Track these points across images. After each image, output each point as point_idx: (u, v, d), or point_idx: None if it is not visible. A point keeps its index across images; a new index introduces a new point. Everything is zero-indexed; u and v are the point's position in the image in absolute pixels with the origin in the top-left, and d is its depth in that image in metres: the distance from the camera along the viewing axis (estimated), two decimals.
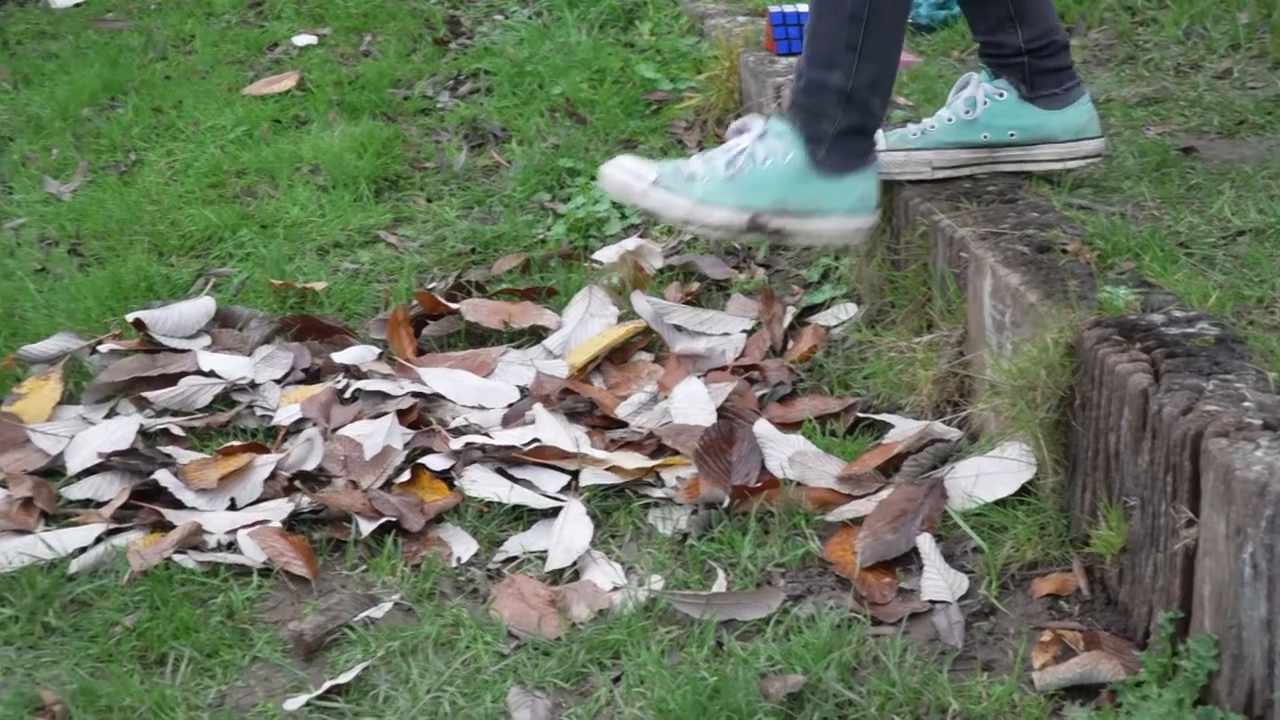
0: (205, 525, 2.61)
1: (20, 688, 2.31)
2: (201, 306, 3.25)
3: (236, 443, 2.85)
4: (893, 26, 2.75)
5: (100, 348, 3.19)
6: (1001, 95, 2.89)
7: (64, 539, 2.61)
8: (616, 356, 3.07)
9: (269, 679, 2.30)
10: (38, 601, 2.48)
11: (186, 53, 4.87)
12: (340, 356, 3.10)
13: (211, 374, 3.05)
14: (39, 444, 2.91)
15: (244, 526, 2.60)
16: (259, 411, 2.99)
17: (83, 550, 2.59)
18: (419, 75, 4.47)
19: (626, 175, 2.77)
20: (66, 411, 3.02)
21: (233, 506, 2.68)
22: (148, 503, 2.70)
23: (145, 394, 3.01)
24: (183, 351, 3.13)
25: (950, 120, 2.92)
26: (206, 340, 3.19)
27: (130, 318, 3.21)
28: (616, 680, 2.24)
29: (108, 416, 3.00)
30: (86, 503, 2.77)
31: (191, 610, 2.41)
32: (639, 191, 2.76)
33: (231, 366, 3.07)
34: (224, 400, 3.03)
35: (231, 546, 2.58)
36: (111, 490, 2.77)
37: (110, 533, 2.64)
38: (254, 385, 3.05)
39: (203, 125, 4.26)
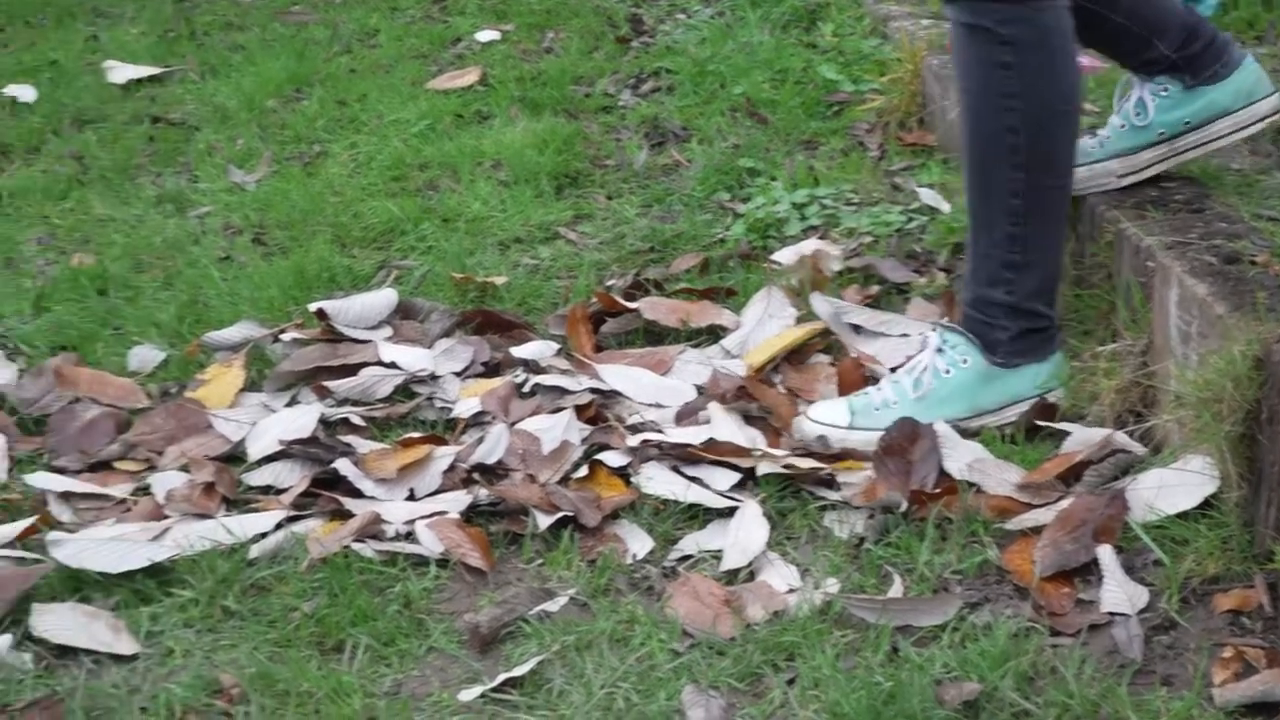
0: (384, 515, 2.63)
1: (199, 670, 2.34)
2: (383, 298, 3.28)
3: (416, 434, 2.87)
4: (1049, 235, 2.79)
5: (283, 336, 3.23)
6: (1166, 91, 2.89)
7: (244, 524, 2.64)
8: (794, 358, 3.06)
9: (444, 669, 2.32)
10: (218, 585, 2.51)
11: (371, 46, 4.91)
12: (519, 351, 3.11)
13: (392, 365, 3.08)
14: (221, 430, 2.95)
15: (422, 517, 2.62)
16: (438, 404, 3.01)
17: (263, 536, 2.62)
18: (601, 73, 4.48)
19: (821, 428, 2.81)
20: (248, 399, 3.06)
21: (411, 497, 2.71)
22: (327, 491, 2.73)
23: (326, 383, 3.04)
24: (364, 342, 3.16)
25: (1123, 126, 2.92)
26: (388, 331, 3.21)
27: (313, 307, 3.25)
28: (791, 682, 2.24)
29: (289, 405, 3.04)
30: (266, 489, 2.80)
31: (369, 599, 2.43)
32: (839, 439, 2.79)
33: (412, 358, 3.09)
34: (404, 392, 3.05)
35: (409, 536, 2.59)
36: (292, 478, 2.80)
37: (290, 519, 2.67)
38: (434, 377, 3.07)
39: (386, 118, 4.30)
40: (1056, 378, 2.82)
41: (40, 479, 2.84)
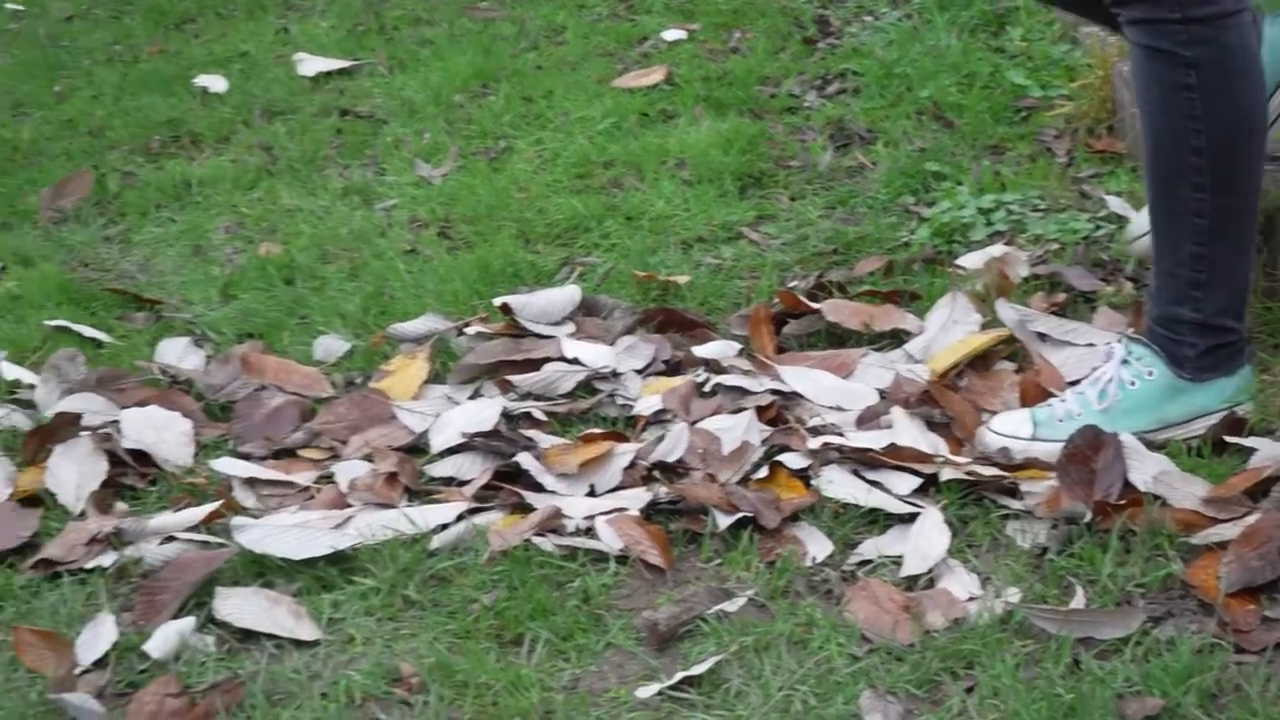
0: (564, 510, 2.64)
1: (380, 658, 2.37)
2: (567, 294, 3.29)
3: (597, 430, 2.88)
4: (1235, 252, 2.75)
5: (467, 330, 3.25)
6: None
7: (426, 515, 2.67)
8: (978, 364, 3.04)
9: (622, 665, 2.33)
10: (399, 575, 2.53)
11: (558, 43, 4.92)
12: (701, 350, 3.10)
13: (574, 361, 3.09)
14: (404, 421, 2.97)
15: (602, 513, 2.63)
16: (619, 400, 3.01)
17: (444, 527, 2.64)
18: (786, 73, 4.46)
19: (1004, 440, 2.80)
20: (432, 390, 3.08)
21: (592, 493, 2.71)
22: (508, 484, 2.74)
23: (509, 377, 3.05)
24: (547, 338, 3.17)
25: None
26: (571, 328, 3.22)
27: (497, 302, 3.26)
28: (969, 691, 2.22)
29: (472, 398, 3.05)
30: (448, 481, 2.82)
31: (549, 593, 2.45)
32: (1021, 450, 2.77)
33: (594, 355, 3.10)
34: (585, 388, 3.06)
35: (589, 532, 2.60)
36: (473, 470, 2.82)
37: (471, 511, 2.69)
38: (615, 375, 3.07)
39: (572, 116, 4.31)
40: (1245, 392, 2.78)
41: (226, 464, 2.88)
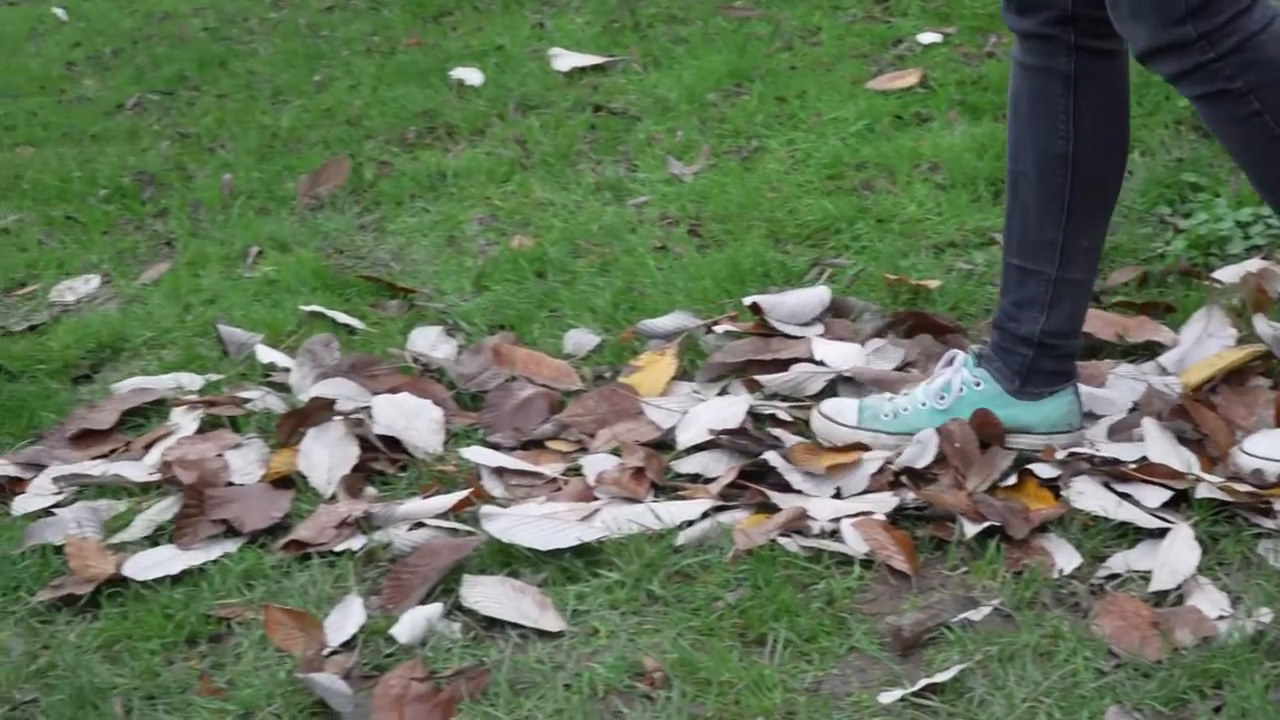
0: (810, 511, 2.63)
1: (623, 651, 2.38)
2: (816, 295, 3.28)
3: None
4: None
5: (716, 328, 3.26)
6: (979, 385, 2.83)
7: (672, 511, 2.68)
8: (1233, 380, 2.98)
9: (864, 670, 2.32)
10: (644, 569, 2.55)
11: (813, 44, 4.92)
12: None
13: (822, 362, 3.08)
14: (652, 416, 2.99)
15: (848, 516, 2.62)
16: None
17: (689, 524, 2.65)
18: None
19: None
20: (680, 387, 3.09)
21: (838, 495, 2.71)
22: (754, 483, 2.74)
23: (757, 376, 3.06)
24: (797, 338, 3.17)
25: (924, 405, 2.85)
26: (819, 329, 3.22)
27: (747, 301, 3.27)
28: (1217, 710, 2.19)
29: (719, 395, 3.06)
30: (693, 478, 2.83)
31: (793, 594, 2.44)
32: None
33: (842, 356, 3.09)
34: (832, 389, 3.05)
35: (835, 535, 2.59)
36: (718, 468, 2.83)
37: (716, 509, 2.69)
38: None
39: (825, 117, 4.30)
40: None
41: (475, 453, 2.92)
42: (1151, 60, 2.53)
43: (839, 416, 2.85)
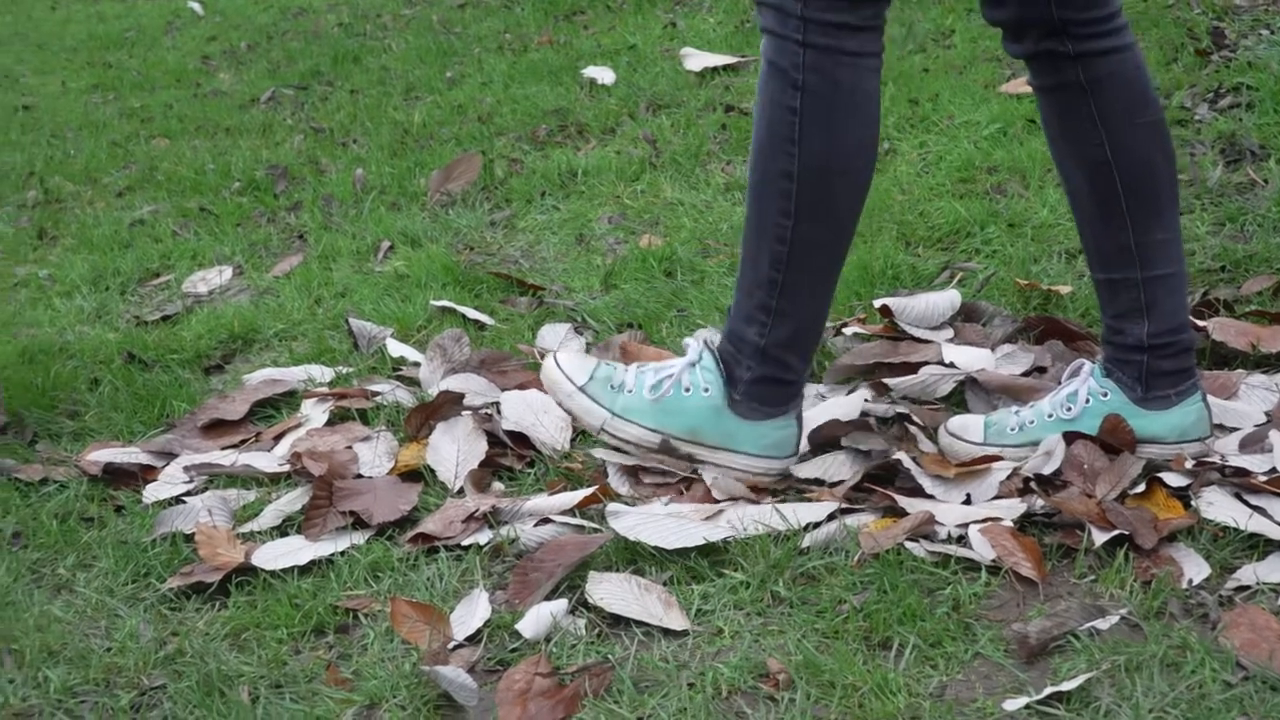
0: (937, 516, 2.62)
1: (747, 652, 2.37)
2: (947, 299, 3.27)
3: None
4: (811, 291, 2.73)
5: (844, 330, 3.25)
6: (1106, 396, 2.79)
7: (798, 512, 2.67)
8: None
9: (989, 676, 2.30)
10: (769, 570, 2.54)
11: (946, 47, 4.90)
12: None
13: (951, 366, 3.07)
14: None
15: (975, 522, 2.60)
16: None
17: (815, 525, 2.64)
18: (1178, 85, 4.38)
19: (558, 375, 2.87)
20: (806, 389, 3.08)
21: (967, 501, 2.69)
22: (880, 487, 2.73)
23: (885, 379, 3.05)
24: (926, 342, 3.16)
25: (1050, 417, 2.82)
26: (949, 333, 3.21)
27: (877, 304, 3.26)
28: None
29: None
30: (817, 481, 2.82)
31: (918, 598, 2.43)
32: (565, 393, 2.87)
33: (972, 360, 3.08)
34: (960, 392, 3.03)
35: (962, 540, 2.58)
36: (842, 471, 2.82)
37: (842, 511, 2.68)
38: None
39: (957, 120, 4.29)
40: (784, 447, 2.84)
41: (603, 451, 2.92)
42: (759, 7, 2.67)
43: (965, 434, 2.84)
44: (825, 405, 3.00)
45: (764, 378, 2.79)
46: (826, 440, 2.86)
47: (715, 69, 4.97)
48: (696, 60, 5.03)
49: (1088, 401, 2.80)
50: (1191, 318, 3.12)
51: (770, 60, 2.66)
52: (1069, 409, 2.81)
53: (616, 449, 2.88)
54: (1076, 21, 2.65)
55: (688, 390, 2.83)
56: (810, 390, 3.08)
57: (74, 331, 3.87)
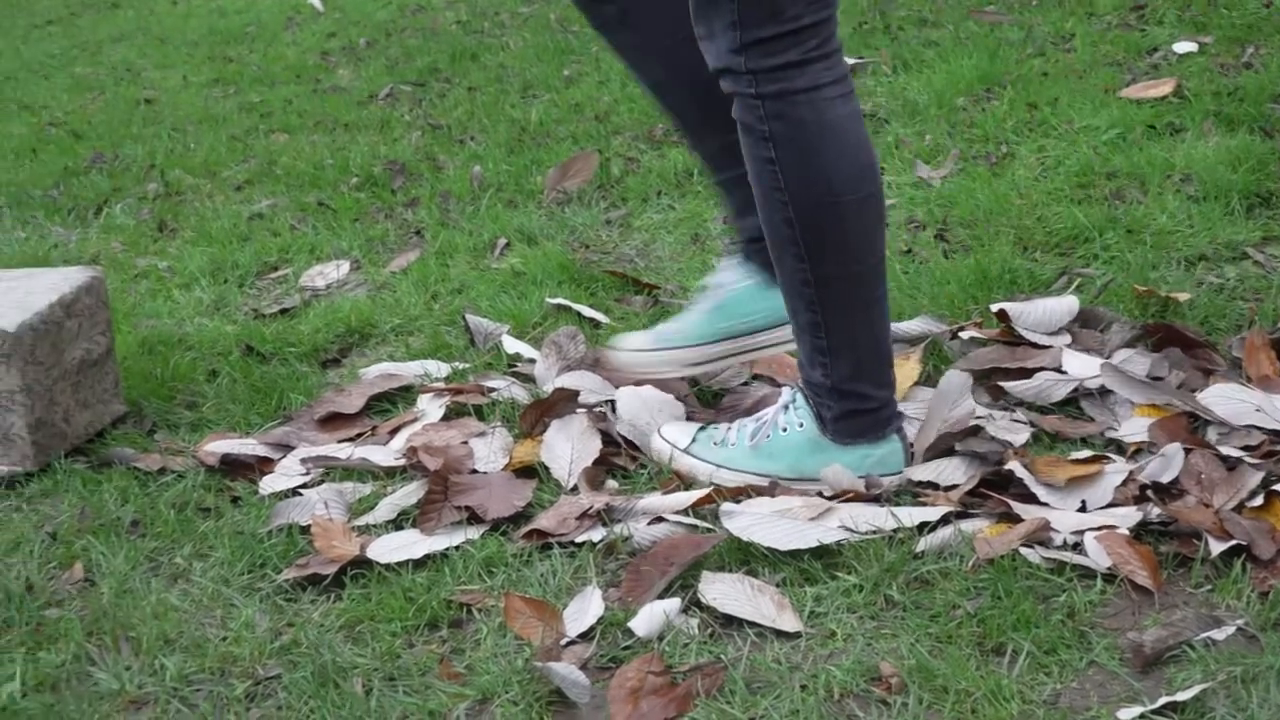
0: (1053, 522, 2.61)
1: (860, 655, 2.37)
2: (1064, 304, 3.25)
3: (1087, 453, 2.83)
4: (857, 322, 2.74)
5: (960, 334, 3.24)
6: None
7: (912, 515, 2.66)
8: None
9: (1104, 685, 2.29)
10: (883, 573, 2.54)
11: (1065, 50, 4.87)
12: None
13: (1067, 372, 3.05)
14: None
15: (1091, 529, 2.58)
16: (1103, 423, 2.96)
17: (928, 528, 2.63)
18: None
19: (662, 443, 2.92)
20: (921, 393, 3.07)
21: (1082, 508, 2.68)
22: (995, 493, 2.72)
23: (1001, 384, 3.03)
24: (1043, 347, 3.14)
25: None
26: (1067, 338, 3.19)
27: (995, 308, 3.24)
28: None
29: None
30: (931, 485, 2.81)
31: (1033, 605, 2.42)
32: (672, 456, 2.90)
33: (1088, 367, 3.05)
34: (1073, 403, 3.01)
35: (1077, 547, 2.56)
36: (956, 475, 2.80)
37: (956, 515, 2.68)
38: (1105, 392, 3.02)
39: (1076, 124, 4.26)
40: (888, 463, 2.83)
41: None
42: (718, 78, 2.70)
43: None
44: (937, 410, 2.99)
45: (846, 412, 2.80)
46: (941, 447, 2.85)
47: None
48: None
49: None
50: None
51: (739, 120, 2.70)
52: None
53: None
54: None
55: (784, 430, 2.84)
56: (925, 394, 3.06)
57: (193, 323, 3.91)
